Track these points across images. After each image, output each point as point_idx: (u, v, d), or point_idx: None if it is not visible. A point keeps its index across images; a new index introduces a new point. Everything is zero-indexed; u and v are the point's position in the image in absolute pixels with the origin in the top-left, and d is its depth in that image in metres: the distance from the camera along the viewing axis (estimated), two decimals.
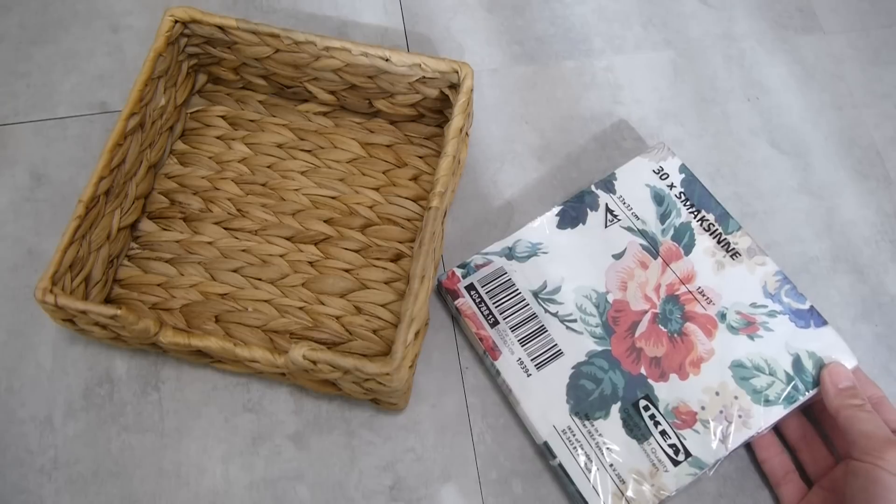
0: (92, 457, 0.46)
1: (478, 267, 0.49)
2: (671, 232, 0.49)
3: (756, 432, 0.44)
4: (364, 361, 0.40)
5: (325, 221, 0.51)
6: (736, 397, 0.44)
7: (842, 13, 0.62)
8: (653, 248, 0.49)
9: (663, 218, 0.50)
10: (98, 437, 0.46)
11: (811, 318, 0.46)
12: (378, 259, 0.50)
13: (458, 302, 0.48)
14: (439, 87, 0.50)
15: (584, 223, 0.50)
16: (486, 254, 0.49)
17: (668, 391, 0.45)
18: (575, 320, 0.47)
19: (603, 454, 0.44)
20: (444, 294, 0.49)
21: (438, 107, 0.52)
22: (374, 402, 0.46)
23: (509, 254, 0.49)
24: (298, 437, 0.47)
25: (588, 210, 0.50)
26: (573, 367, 0.46)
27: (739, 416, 0.44)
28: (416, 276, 0.42)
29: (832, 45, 0.61)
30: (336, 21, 0.60)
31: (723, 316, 0.47)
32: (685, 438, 0.44)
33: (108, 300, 0.49)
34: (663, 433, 0.44)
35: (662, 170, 0.51)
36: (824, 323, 0.46)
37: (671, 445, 0.44)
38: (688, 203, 0.50)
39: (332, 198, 0.52)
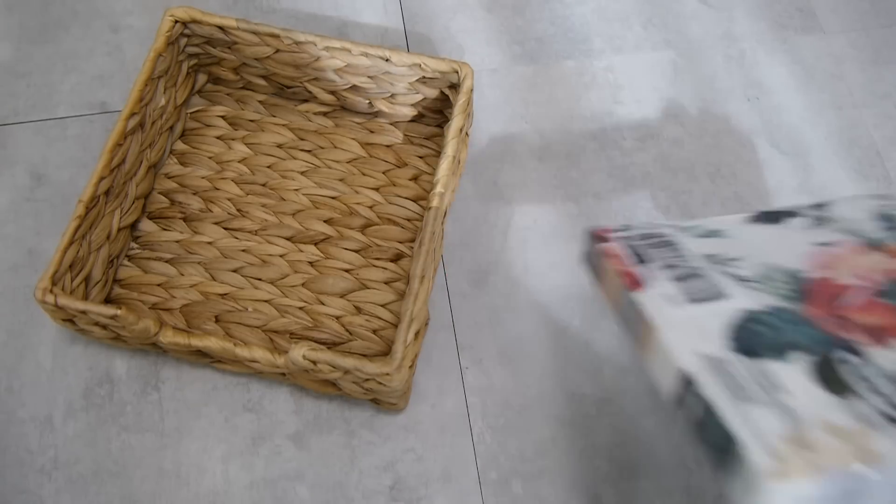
0: (92, 457, 0.46)
1: (639, 229, 0.42)
2: None
3: None
4: (364, 361, 0.40)
5: (325, 221, 0.51)
6: None
7: (842, 13, 0.62)
8: (875, 246, 0.41)
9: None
10: (98, 437, 0.46)
11: None
12: (378, 259, 0.50)
13: (604, 246, 0.41)
14: (439, 87, 0.50)
15: (780, 222, 0.43)
16: (651, 223, 0.43)
17: (885, 359, 0.36)
18: (757, 282, 0.40)
19: (777, 395, 0.35)
20: (590, 240, 0.42)
21: (438, 107, 0.52)
22: (374, 402, 0.46)
23: (680, 227, 0.42)
24: (298, 437, 0.47)
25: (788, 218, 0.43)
26: (743, 311, 0.38)
27: None
28: (416, 276, 0.42)
29: (832, 45, 0.61)
30: (336, 21, 0.60)
31: None
32: None
33: (108, 300, 0.49)
34: (876, 391, 0.35)
35: None
36: None
37: (892, 404, 0.35)
38: None
39: (332, 198, 0.52)
